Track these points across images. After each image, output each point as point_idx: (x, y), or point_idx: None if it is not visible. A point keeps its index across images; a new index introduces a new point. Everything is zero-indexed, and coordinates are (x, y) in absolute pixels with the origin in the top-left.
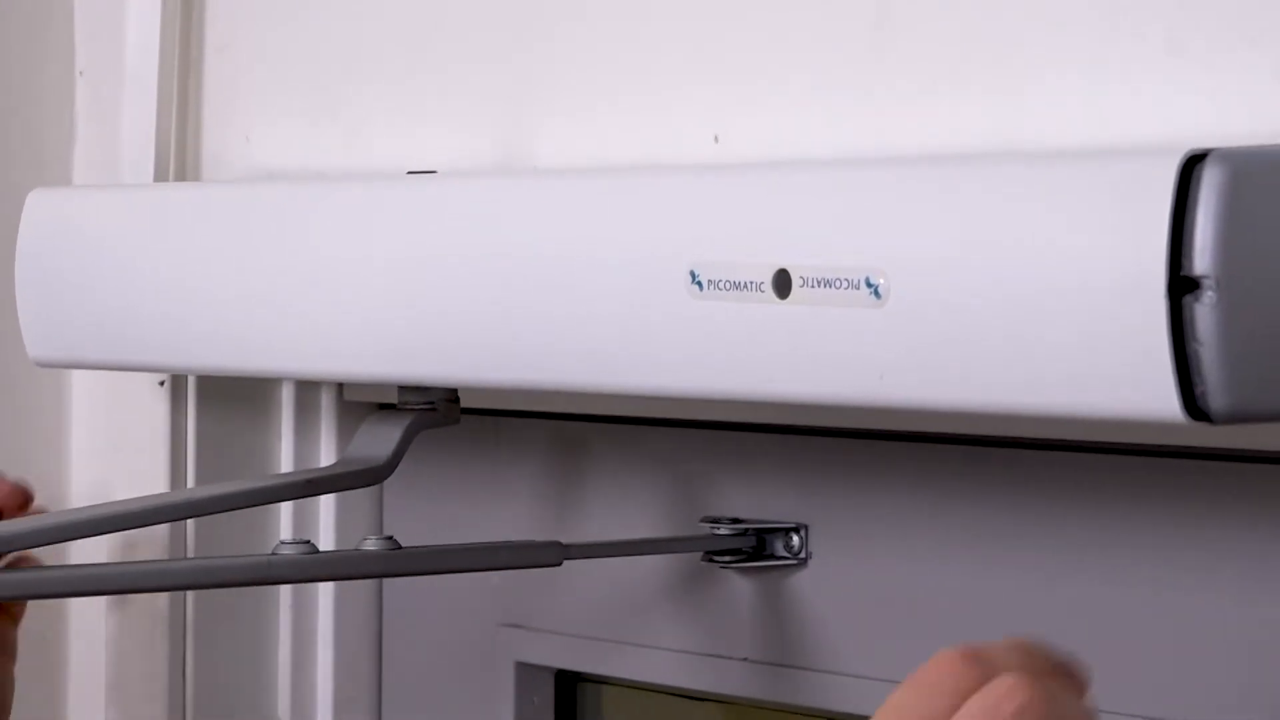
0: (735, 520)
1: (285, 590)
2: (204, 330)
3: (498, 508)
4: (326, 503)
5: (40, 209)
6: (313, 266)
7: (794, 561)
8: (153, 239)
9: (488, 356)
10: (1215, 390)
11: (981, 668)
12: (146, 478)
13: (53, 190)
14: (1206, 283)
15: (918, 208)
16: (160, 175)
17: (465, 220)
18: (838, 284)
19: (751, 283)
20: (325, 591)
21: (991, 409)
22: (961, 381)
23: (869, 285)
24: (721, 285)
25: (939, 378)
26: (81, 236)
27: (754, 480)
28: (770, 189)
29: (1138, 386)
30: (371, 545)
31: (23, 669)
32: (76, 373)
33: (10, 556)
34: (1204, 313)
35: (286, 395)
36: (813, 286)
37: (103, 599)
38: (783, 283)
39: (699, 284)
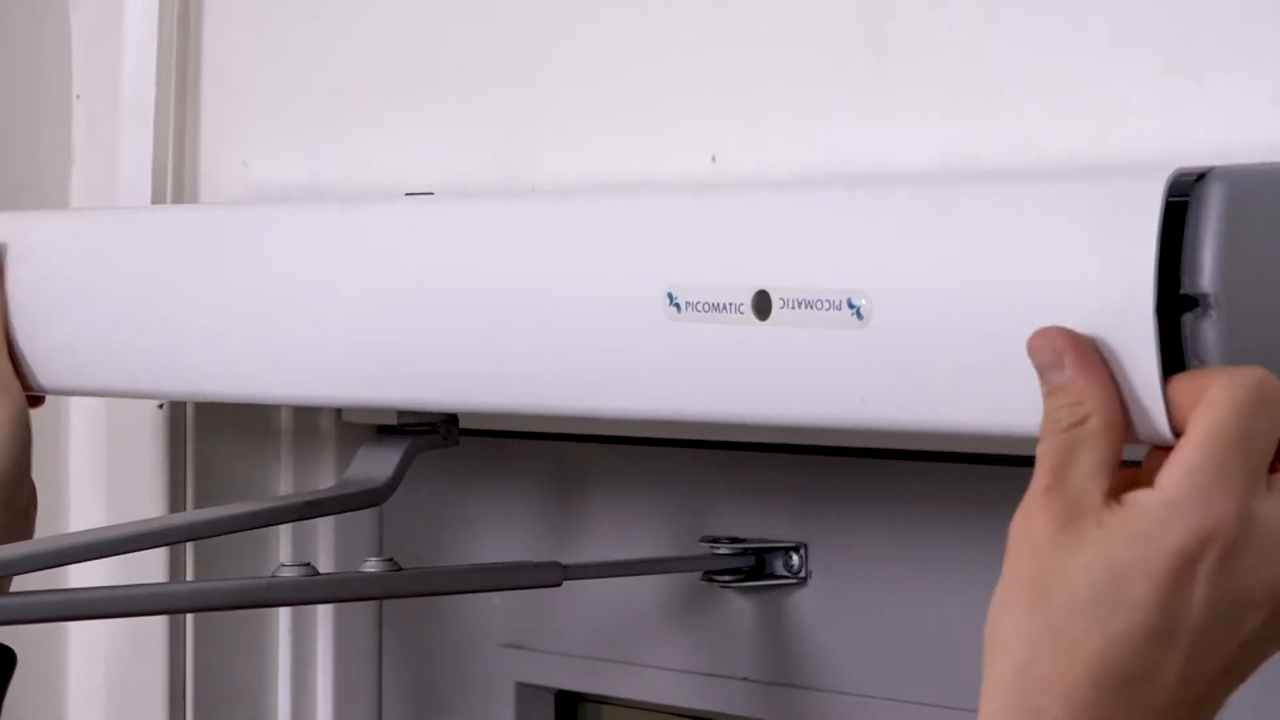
0: (735, 540)
1: (285, 613)
2: (197, 357)
3: (497, 529)
4: (326, 525)
5: (30, 232)
6: (292, 289)
7: (794, 581)
8: (143, 263)
9: (467, 380)
10: None
11: None
12: (145, 501)
13: (44, 214)
14: (1208, 300)
15: (901, 228)
16: (158, 199)
17: (441, 244)
18: (819, 305)
19: (730, 304)
20: (325, 614)
21: (979, 430)
22: (947, 403)
23: (851, 306)
24: (700, 307)
25: (923, 399)
26: (71, 260)
27: (753, 500)
28: (750, 210)
29: (1133, 406)
30: (371, 567)
31: (21, 710)
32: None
33: None
34: (1206, 329)
35: (285, 418)
36: (793, 308)
37: (102, 622)
38: (762, 304)
39: (676, 305)
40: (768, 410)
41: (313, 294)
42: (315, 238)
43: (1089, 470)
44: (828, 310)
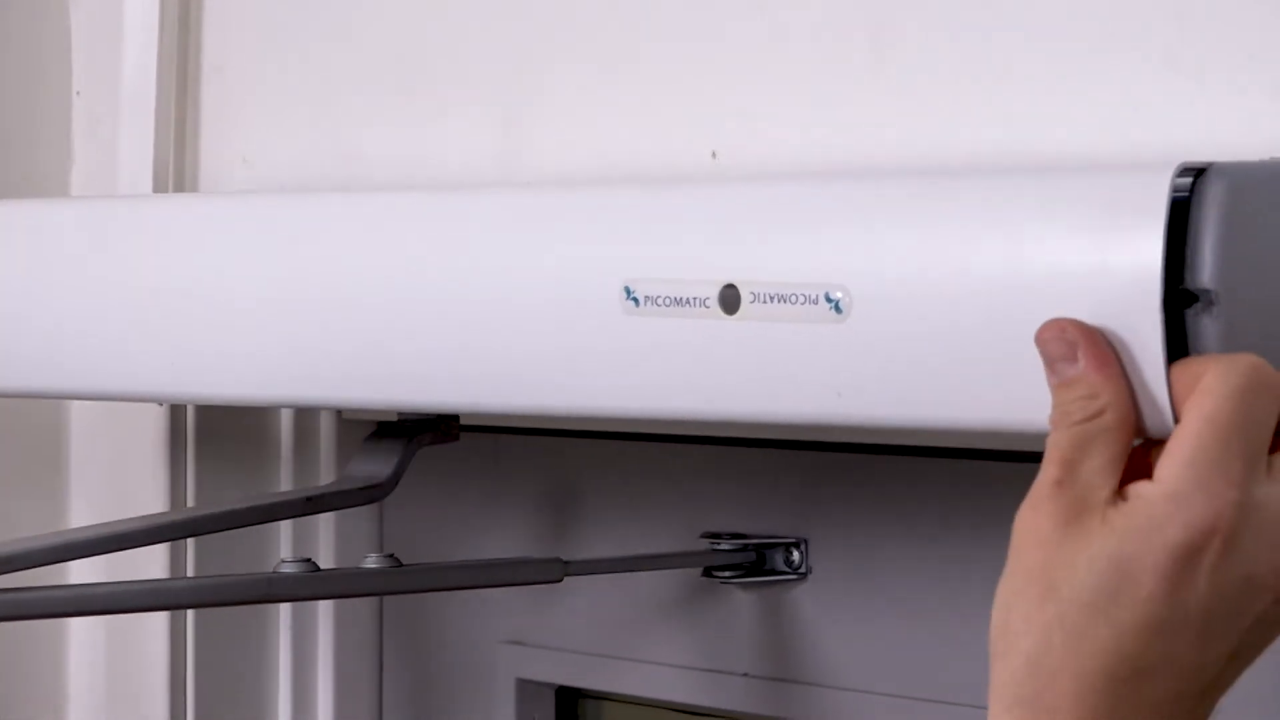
0: (735, 535)
1: (285, 609)
2: (190, 361)
3: (498, 524)
4: (326, 521)
5: (7, 224)
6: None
7: (794, 576)
8: (134, 259)
9: (425, 379)
10: None
11: None
12: (145, 500)
13: (25, 203)
14: (1210, 295)
15: (891, 221)
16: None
17: (397, 239)
18: (793, 299)
19: (695, 298)
20: (325, 610)
21: (968, 427)
22: (932, 399)
23: (829, 300)
24: (660, 301)
25: (905, 395)
26: (60, 254)
27: (754, 495)
28: (719, 202)
29: (1139, 401)
30: (372, 563)
31: (21, 709)
32: None
33: None
34: (1209, 325)
35: (285, 415)
36: (764, 302)
37: (103, 619)
38: (730, 298)
39: (634, 300)
40: (737, 407)
41: (239, 289)
42: (255, 233)
43: (1100, 465)
44: (802, 304)
